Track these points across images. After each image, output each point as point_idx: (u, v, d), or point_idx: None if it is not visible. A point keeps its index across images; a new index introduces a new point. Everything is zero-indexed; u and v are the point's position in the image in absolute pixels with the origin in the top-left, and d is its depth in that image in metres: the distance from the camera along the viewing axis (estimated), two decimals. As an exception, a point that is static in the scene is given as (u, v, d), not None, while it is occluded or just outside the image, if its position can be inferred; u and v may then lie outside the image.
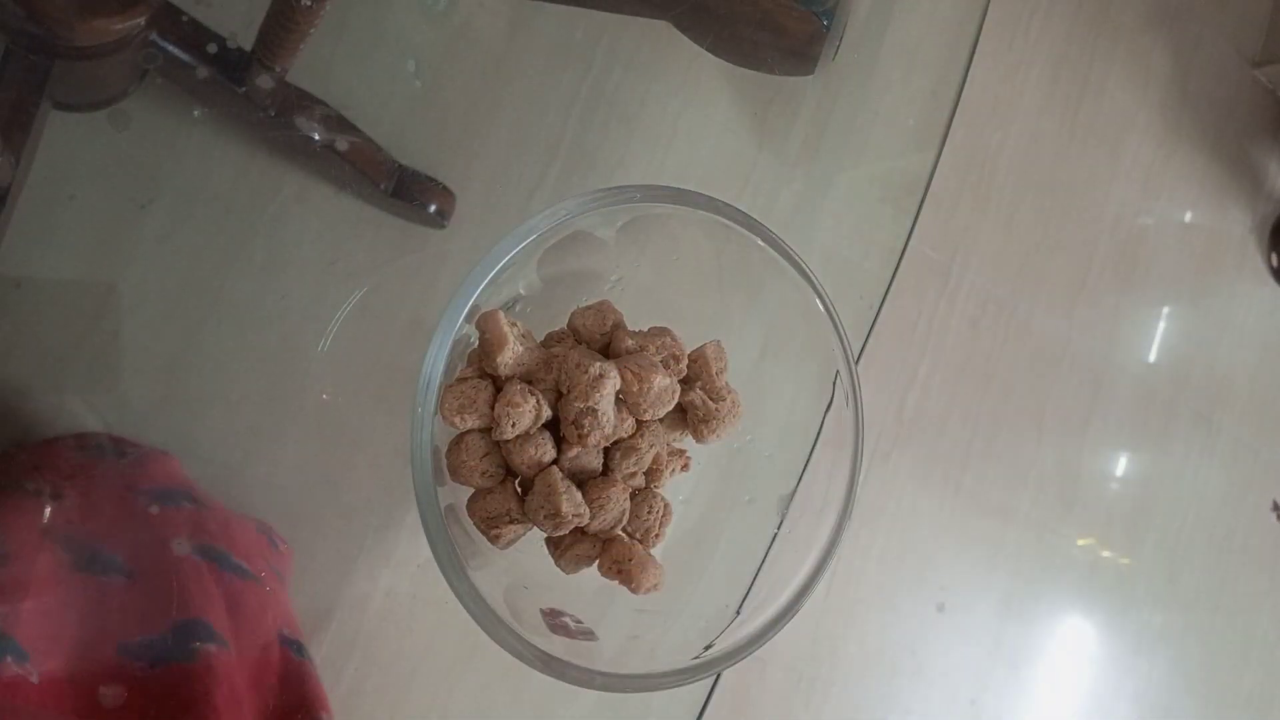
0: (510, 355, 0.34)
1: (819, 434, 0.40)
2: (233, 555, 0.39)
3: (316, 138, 0.43)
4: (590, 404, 0.34)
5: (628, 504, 0.37)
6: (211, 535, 0.39)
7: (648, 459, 0.37)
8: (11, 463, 0.37)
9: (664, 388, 0.35)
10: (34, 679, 0.33)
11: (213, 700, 0.35)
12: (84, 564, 0.36)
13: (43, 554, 0.36)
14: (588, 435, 0.34)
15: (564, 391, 0.35)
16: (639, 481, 0.38)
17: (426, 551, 0.32)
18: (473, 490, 0.36)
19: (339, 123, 0.43)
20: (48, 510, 0.37)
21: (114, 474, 0.38)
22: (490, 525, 0.36)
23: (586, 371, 0.34)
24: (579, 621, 0.37)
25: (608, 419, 0.34)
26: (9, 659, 0.33)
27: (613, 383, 0.34)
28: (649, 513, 0.37)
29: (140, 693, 0.35)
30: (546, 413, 0.35)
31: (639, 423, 0.36)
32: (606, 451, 0.37)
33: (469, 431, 0.35)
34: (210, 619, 0.37)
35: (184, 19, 0.41)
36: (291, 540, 0.43)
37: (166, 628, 0.36)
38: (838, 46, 0.51)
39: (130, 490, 0.38)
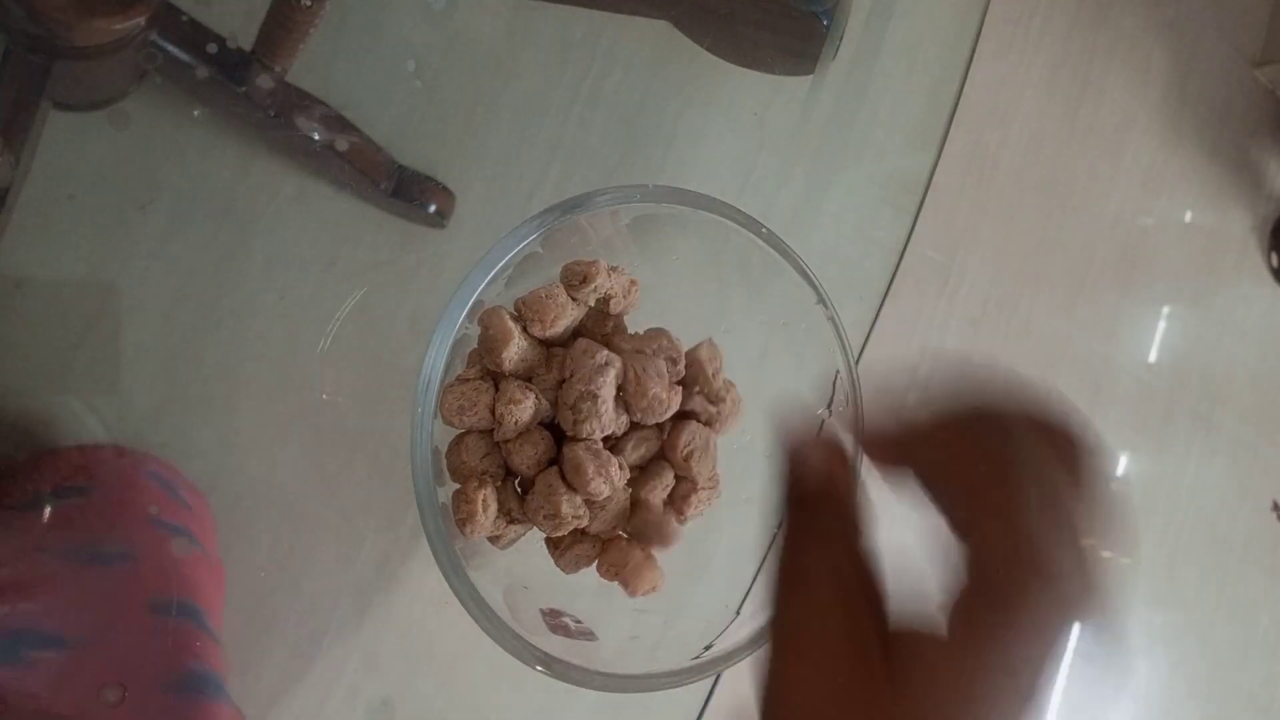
0: (515, 350, 0.34)
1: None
2: (101, 546, 0.38)
3: (316, 138, 0.43)
4: (592, 388, 0.33)
5: (628, 504, 0.37)
6: (86, 529, 0.38)
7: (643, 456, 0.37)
8: None
9: (658, 400, 0.35)
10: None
11: (53, 709, 0.34)
12: None
13: None
14: (584, 421, 0.34)
15: (567, 376, 0.35)
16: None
17: (426, 552, 0.32)
18: (473, 490, 0.36)
19: (339, 123, 0.43)
20: None
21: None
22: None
23: (594, 357, 0.34)
24: (579, 621, 0.37)
25: (606, 409, 0.34)
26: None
27: (616, 372, 0.34)
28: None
29: None
30: (546, 408, 0.35)
31: (633, 423, 0.37)
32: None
33: (469, 431, 0.35)
34: (44, 627, 0.36)
35: (184, 19, 0.41)
36: (291, 540, 0.42)
37: None
38: (838, 46, 0.51)
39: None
